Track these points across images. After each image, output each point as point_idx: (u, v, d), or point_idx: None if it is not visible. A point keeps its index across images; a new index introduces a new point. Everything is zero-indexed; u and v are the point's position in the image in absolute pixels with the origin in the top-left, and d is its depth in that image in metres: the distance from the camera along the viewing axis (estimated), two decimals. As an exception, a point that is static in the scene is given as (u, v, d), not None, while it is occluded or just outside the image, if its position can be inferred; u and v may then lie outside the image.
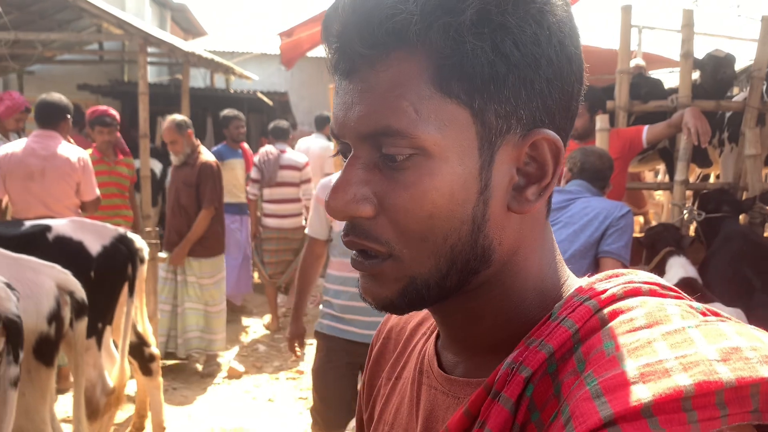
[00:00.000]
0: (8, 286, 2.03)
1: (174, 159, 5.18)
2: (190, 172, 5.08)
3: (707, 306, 0.59)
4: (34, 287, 2.33)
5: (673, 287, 0.63)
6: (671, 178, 4.77)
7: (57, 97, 4.31)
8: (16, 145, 4.19)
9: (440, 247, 0.62)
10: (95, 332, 3.10)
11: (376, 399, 0.86)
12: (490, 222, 0.63)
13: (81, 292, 2.58)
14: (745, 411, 0.48)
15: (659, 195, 7.60)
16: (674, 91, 4.60)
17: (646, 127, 4.01)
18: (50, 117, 4.20)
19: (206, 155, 5.22)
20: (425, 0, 0.57)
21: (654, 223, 7.69)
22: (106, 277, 3.17)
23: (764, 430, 0.51)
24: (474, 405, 0.61)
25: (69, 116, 4.32)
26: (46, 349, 2.39)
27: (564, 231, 3.05)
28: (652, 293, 0.61)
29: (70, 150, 4.22)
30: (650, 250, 3.66)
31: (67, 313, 2.50)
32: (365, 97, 0.60)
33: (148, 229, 4.52)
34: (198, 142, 5.28)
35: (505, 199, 0.63)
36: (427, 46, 0.58)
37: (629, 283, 0.62)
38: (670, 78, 7.31)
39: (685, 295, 0.63)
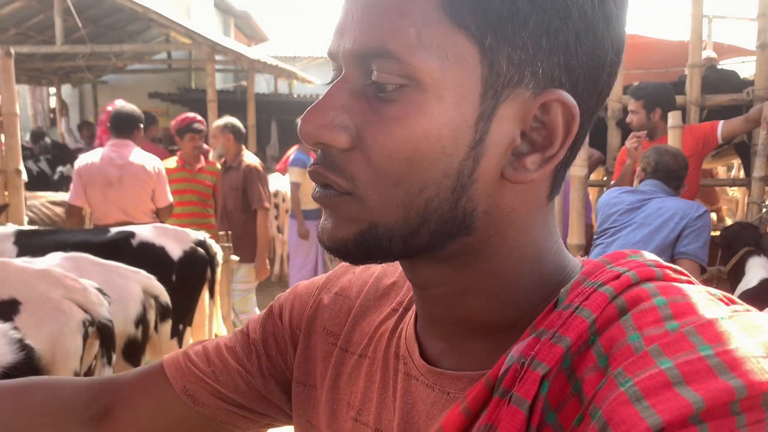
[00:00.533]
0: (100, 291, 2.14)
1: (213, 154, 5.30)
2: (236, 176, 5.05)
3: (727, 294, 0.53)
4: (123, 292, 2.46)
5: (683, 270, 0.57)
6: (748, 174, 4.62)
7: (130, 107, 4.50)
8: (94, 155, 4.39)
9: (414, 197, 0.53)
10: (177, 333, 3.23)
11: (315, 362, 0.75)
12: (477, 183, 0.54)
13: (165, 296, 2.70)
14: None
15: (733, 191, 7.34)
16: (750, 83, 4.45)
17: (721, 123, 3.89)
18: (124, 126, 4.39)
19: (249, 158, 5.17)
20: None
21: (727, 220, 7.43)
22: (186, 280, 3.30)
23: None
24: (474, 403, 0.54)
25: (141, 125, 4.50)
26: (133, 351, 2.52)
27: (639, 232, 3.00)
28: (666, 278, 0.55)
29: (144, 158, 4.39)
30: (727, 250, 3.55)
31: (152, 317, 2.62)
32: (366, 12, 0.52)
33: (221, 232, 4.65)
34: (242, 147, 5.19)
35: (501, 163, 0.54)
36: None
37: (641, 266, 0.55)
38: (742, 69, 7.06)
39: (694, 279, 0.56)
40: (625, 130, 4.27)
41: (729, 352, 0.44)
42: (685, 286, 0.52)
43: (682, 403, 0.42)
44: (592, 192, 5.19)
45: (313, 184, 0.58)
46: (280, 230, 7.43)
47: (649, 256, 0.58)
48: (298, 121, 0.55)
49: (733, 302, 0.51)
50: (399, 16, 0.51)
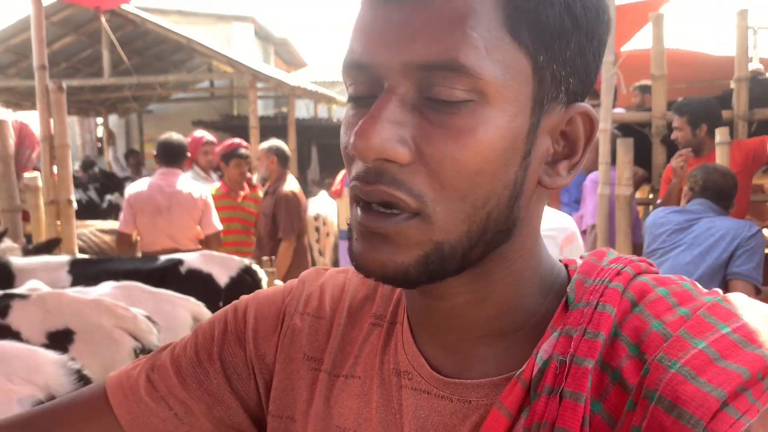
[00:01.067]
0: (149, 319, 2.19)
1: (257, 176, 5.33)
2: (270, 202, 4.95)
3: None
4: (172, 320, 2.50)
5: (651, 262, 0.64)
6: (801, 189, 4.48)
7: (176, 137, 4.62)
8: (143, 184, 4.51)
9: (478, 210, 0.54)
10: (222, 360, 3.26)
11: (297, 392, 0.70)
12: (524, 192, 0.57)
13: None
14: None
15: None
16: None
17: (770, 137, 3.80)
18: (172, 156, 4.51)
19: (288, 185, 5.00)
20: None
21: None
22: (233, 306, 3.34)
23: None
24: (514, 405, 0.55)
25: (188, 154, 4.62)
26: (183, 379, 2.55)
27: (688, 253, 2.93)
28: (648, 269, 0.62)
29: (191, 186, 4.49)
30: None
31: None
32: (427, 23, 0.51)
33: (264, 258, 4.70)
34: (285, 171, 5.08)
35: (538, 171, 0.57)
36: None
37: (630, 262, 0.62)
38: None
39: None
40: (670, 147, 4.20)
41: (741, 328, 0.52)
42: (667, 277, 0.60)
43: (732, 375, 0.49)
44: (640, 210, 5.11)
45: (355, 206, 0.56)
46: (321, 253, 7.47)
47: (619, 253, 0.64)
48: (356, 138, 0.52)
49: (702, 289, 0.59)
50: (469, 29, 0.51)
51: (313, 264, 6.31)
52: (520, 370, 0.57)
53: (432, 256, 0.54)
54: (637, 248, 3.91)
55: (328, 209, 7.33)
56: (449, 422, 0.60)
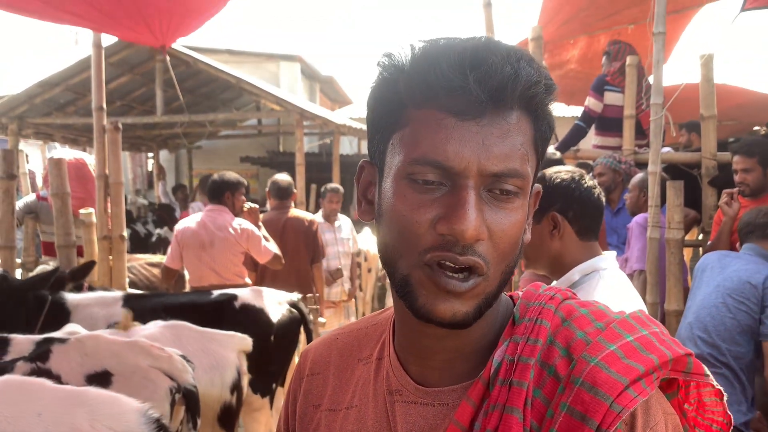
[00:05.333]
0: (185, 358, 2.22)
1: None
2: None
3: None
4: (220, 359, 2.54)
5: (573, 292, 0.87)
6: None
7: (222, 174, 4.67)
8: (192, 220, 4.60)
9: (507, 267, 0.77)
10: (269, 392, 3.28)
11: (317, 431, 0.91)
12: (522, 248, 0.81)
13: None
14: (666, 371, 0.75)
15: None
16: None
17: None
18: (218, 193, 4.57)
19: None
20: (546, 79, 0.76)
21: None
22: (282, 340, 3.38)
23: (675, 384, 0.80)
24: (477, 396, 0.77)
25: (231, 191, 4.61)
26: (228, 418, 2.58)
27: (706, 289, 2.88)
28: (572, 296, 0.85)
29: (234, 222, 4.54)
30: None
31: (245, 383, 2.68)
32: (500, 142, 0.73)
33: (308, 294, 4.74)
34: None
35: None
36: (536, 112, 0.76)
37: (559, 291, 0.85)
38: None
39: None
40: (721, 188, 4.09)
41: (640, 338, 0.76)
42: (587, 301, 0.84)
43: (632, 368, 0.72)
44: (687, 253, 4.98)
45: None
46: (362, 289, 7.49)
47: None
48: (461, 223, 0.72)
49: (612, 311, 0.83)
50: (523, 147, 0.75)
51: (354, 297, 6.39)
52: (482, 372, 0.78)
53: (482, 304, 0.76)
54: (685, 293, 3.79)
55: (370, 245, 7.36)
56: (433, 423, 0.80)
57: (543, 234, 1.78)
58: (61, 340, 2.19)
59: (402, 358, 0.86)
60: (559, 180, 1.80)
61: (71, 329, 2.32)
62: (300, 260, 5.16)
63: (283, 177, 5.31)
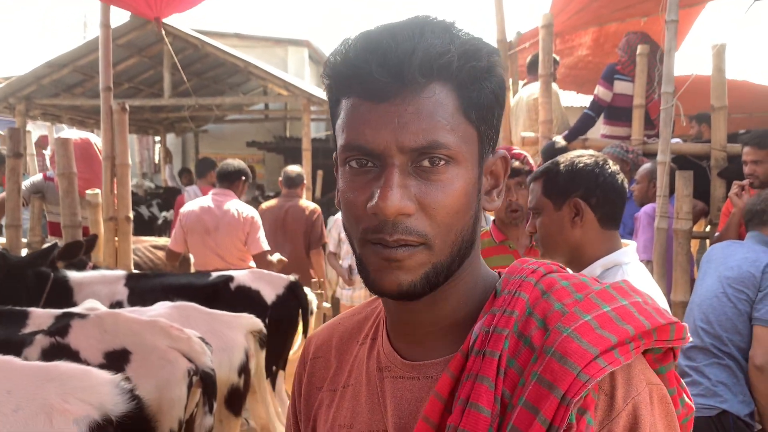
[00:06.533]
0: (203, 340, 2.22)
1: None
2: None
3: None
4: (228, 341, 2.53)
5: (561, 265, 0.89)
6: None
7: (236, 162, 4.78)
8: (196, 203, 4.61)
9: (457, 236, 0.79)
10: (270, 374, 3.29)
11: (318, 412, 0.95)
12: (478, 217, 0.83)
13: (263, 331, 2.85)
14: (650, 341, 0.77)
15: None
16: None
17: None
18: (228, 177, 4.64)
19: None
20: (460, 46, 0.76)
21: None
22: (279, 323, 3.39)
23: (650, 353, 0.80)
24: (456, 368, 0.78)
25: (244, 178, 4.74)
26: (235, 400, 2.58)
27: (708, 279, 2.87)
28: (558, 270, 0.85)
29: (237, 206, 4.57)
30: None
31: (253, 365, 2.68)
32: (415, 118, 0.74)
33: (314, 279, 4.74)
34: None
35: (483, 201, 0.84)
36: (458, 80, 0.77)
37: (543, 264, 0.86)
38: None
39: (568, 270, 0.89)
40: (729, 179, 4.07)
41: (618, 308, 0.77)
42: (571, 273, 0.86)
43: (605, 339, 0.73)
44: (693, 244, 4.95)
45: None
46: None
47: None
48: (381, 201, 0.74)
49: (598, 281, 0.83)
50: (441, 119, 0.76)
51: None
52: (462, 345, 0.80)
53: (431, 273, 0.78)
54: (691, 284, 3.78)
55: None
56: (418, 396, 0.83)
57: (563, 221, 1.71)
58: (81, 316, 2.19)
59: (391, 336, 0.89)
60: (582, 165, 1.71)
61: (90, 305, 2.31)
62: (297, 245, 5.30)
63: (293, 168, 5.61)
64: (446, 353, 0.83)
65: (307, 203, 5.53)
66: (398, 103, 0.75)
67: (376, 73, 0.74)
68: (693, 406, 0.86)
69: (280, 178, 5.57)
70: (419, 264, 0.76)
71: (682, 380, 0.85)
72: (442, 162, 0.76)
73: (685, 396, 0.84)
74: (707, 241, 4.33)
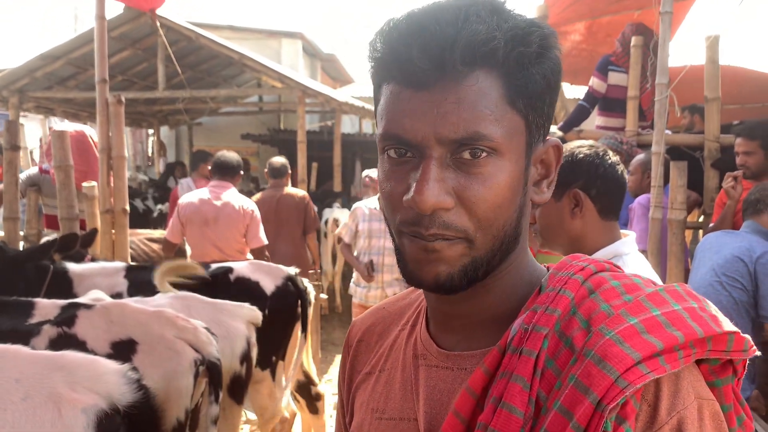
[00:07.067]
0: (208, 330, 2.23)
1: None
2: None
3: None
4: (230, 330, 2.55)
5: (618, 265, 0.83)
6: None
7: (233, 155, 4.78)
8: (195, 195, 4.62)
9: (500, 231, 0.75)
10: (269, 365, 3.32)
11: (356, 395, 0.95)
12: (524, 210, 0.79)
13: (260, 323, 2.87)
14: (703, 351, 0.70)
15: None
16: None
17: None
18: (225, 170, 4.65)
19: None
20: (507, 31, 0.71)
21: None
22: (278, 314, 3.40)
23: (705, 363, 0.74)
24: (492, 364, 0.74)
25: (241, 171, 4.77)
26: (237, 388, 2.60)
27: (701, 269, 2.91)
28: (611, 269, 0.81)
29: (239, 199, 4.59)
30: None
31: (254, 354, 2.70)
32: (455, 108, 0.71)
33: (310, 271, 4.76)
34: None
35: (531, 192, 0.80)
36: (504, 68, 0.72)
37: (595, 261, 0.81)
38: None
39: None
40: (723, 170, 4.11)
41: (669, 313, 0.71)
42: (627, 274, 0.80)
43: (650, 344, 0.67)
44: (687, 234, 4.99)
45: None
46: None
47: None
48: (417, 195, 0.71)
49: (655, 283, 0.77)
50: (483, 108, 0.71)
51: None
52: (500, 340, 0.76)
53: (469, 267, 0.75)
54: (686, 274, 3.82)
55: (341, 214, 7.65)
56: (451, 387, 0.80)
57: (563, 212, 1.70)
58: (87, 306, 2.20)
59: (430, 325, 0.87)
60: (582, 155, 1.70)
61: (96, 296, 2.32)
62: (293, 231, 5.43)
63: (278, 159, 5.73)
64: (483, 346, 0.80)
65: (295, 190, 5.68)
66: (438, 91, 0.71)
67: (417, 60, 0.70)
68: (753, 426, 0.79)
69: (266, 170, 5.70)
70: (458, 256, 0.74)
71: (742, 397, 0.78)
72: (484, 154, 0.72)
73: (743, 414, 0.77)
74: (700, 231, 4.38)
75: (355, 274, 5.08)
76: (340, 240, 5.37)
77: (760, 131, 3.68)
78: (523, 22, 0.73)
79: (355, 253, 4.98)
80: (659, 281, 1.72)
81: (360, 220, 4.84)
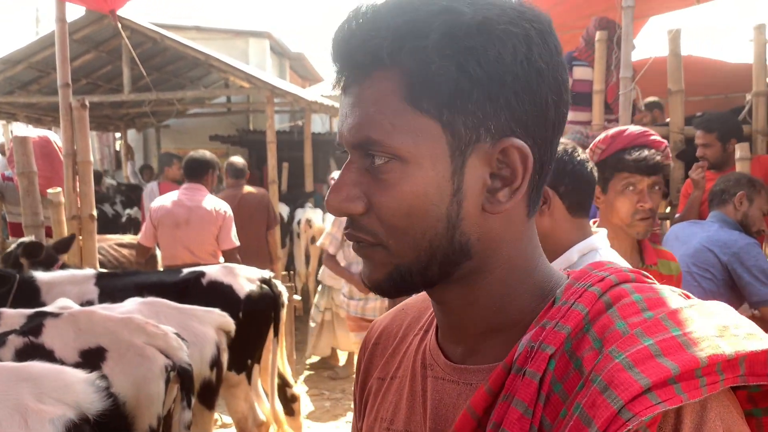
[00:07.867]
0: (179, 336, 2.21)
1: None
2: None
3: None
4: (200, 335, 2.53)
5: (648, 274, 0.74)
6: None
7: (202, 153, 4.71)
8: (167, 198, 4.56)
9: (419, 241, 0.69)
10: (245, 368, 3.31)
11: (368, 400, 0.90)
12: (464, 220, 0.70)
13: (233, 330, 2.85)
14: (735, 375, 0.60)
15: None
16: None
17: (790, 153, 3.78)
18: (196, 171, 4.59)
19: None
20: (397, 26, 0.65)
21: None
22: (252, 317, 3.39)
23: (743, 390, 0.64)
24: (495, 383, 0.68)
25: (212, 170, 4.68)
26: (208, 394, 2.58)
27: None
28: (638, 280, 0.72)
29: (212, 201, 4.54)
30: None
31: (225, 359, 2.68)
32: (353, 111, 0.69)
33: (283, 273, 4.73)
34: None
35: (479, 200, 0.70)
36: (399, 66, 0.66)
37: (619, 271, 0.72)
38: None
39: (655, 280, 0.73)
40: (688, 161, 4.18)
41: (691, 333, 0.61)
42: (654, 286, 0.70)
43: (663, 369, 0.58)
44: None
45: None
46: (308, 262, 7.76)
47: (625, 264, 0.71)
48: (328, 199, 0.71)
49: (689, 297, 0.69)
50: (375, 112, 0.67)
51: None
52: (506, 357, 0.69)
53: (394, 274, 0.71)
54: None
55: (313, 214, 7.57)
56: (456, 402, 0.75)
57: None
58: (54, 315, 2.16)
59: (439, 333, 0.82)
60: None
61: (63, 304, 2.28)
62: (256, 229, 5.50)
63: (238, 159, 5.92)
64: (491, 360, 0.73)
65: (254, 189, 5.81)
66: (349, 94, 0.70)
67: (333, 61, 0.71)
68: None
69: (225, 169, 5.79)
70: (381, 263, 0.72)
71: None
72: (385, 160, 0.68)
73: None
74: (668, 222, 4.45)
75: (346, 287, 4.81)
76: (323, 252, 5.13)
77: (717, 123, 3.79)
78: (431, 12, 0.65)
79: (342, 264, 4.71)
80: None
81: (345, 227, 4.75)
